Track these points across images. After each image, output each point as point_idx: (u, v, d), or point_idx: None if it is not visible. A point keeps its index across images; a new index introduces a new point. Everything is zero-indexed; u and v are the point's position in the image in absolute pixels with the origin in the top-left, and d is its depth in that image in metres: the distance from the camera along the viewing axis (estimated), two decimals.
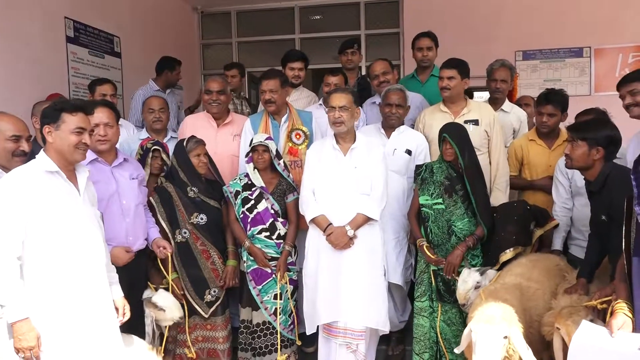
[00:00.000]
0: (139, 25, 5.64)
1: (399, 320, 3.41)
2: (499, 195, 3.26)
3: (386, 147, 3.21)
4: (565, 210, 3.00)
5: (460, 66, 3.32)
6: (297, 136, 3.37)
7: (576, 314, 2.20)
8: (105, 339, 2.14)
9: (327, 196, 2.90)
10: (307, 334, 3.01)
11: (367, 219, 2.85)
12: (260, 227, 3.06)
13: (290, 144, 3.37)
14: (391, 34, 6.70)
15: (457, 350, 2.33)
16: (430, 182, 3.02)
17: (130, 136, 3.67)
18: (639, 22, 5.73)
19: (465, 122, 3.29)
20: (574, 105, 3.43)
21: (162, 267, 2.94)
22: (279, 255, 3.06)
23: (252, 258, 3.06)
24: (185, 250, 3.00)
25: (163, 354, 2.88)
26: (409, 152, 3.29)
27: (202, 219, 3.02)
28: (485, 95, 4.03)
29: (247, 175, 3.11)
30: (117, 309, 2.28)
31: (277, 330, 3.04)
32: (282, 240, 3.08)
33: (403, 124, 3.38)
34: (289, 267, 3.10)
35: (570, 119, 3.30)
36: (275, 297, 3.04)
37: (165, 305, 2.79)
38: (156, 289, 2.87)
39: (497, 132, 3.33)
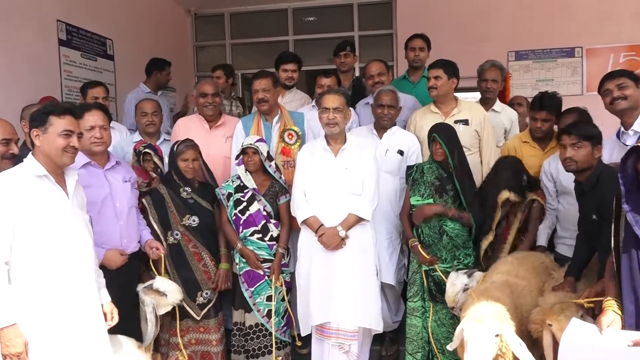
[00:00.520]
0: (132, 28, 5.63)
1: (392, 320, 3.42)
2: None
3: (378, 148, 3.22)
4: (550, 210, 3.03)
5: (446, 66, 3.33)
6: (290, 136, 3.37)
7: (567, 309, 2.22)
8: (94, 344, 2.12)
9: (318, 197, 2.90)
10: (302, 335, 3.02)
11: (359, 219, 2.86)
12: (252, 229, 3.06)
13: (283, 144, 3.37)
14: (384, 35, 6.72)
15: (449, 347, 2.34)
16: (421, 182, 3.03)
17: (123, 139, 3.67)
18: (631, 21, 5.77)
19: (456, 122, 3.31)
20: (566, 105, 3.42)
21: (154, 268, 2.93)
22: (271, 257, 3.06)
23: (244, 260, 3.06)
24: (177, 252, 3.00)
25: (159, 355, 2.89)
26: (401, 152, 3.30)
27: (194, 221, 3.02)
28: (478, 95, 4.05)
29: (239, 177, 3.11)
30: (105, 314, 2.26)
31: (270, 332, 3.04)
32: (274, 242, 3.08)
33: (395, 125, 3.39)
34: (283, 269, 3.10)
35: None
36: (267, 299, 3.04)
37: (167, 290, 2.82)
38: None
39: (488, 131, 3.35)
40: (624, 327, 1.91)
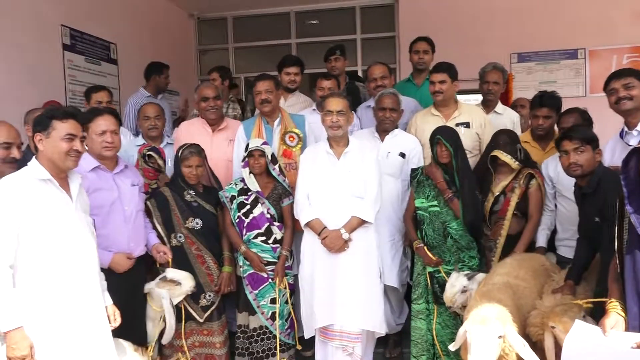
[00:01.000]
0: (135, 32, 5.66)
1: (395, 323, 3.42)
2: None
3: (380, 151, 3.23)
4: (548, 212, 3.03)
5: (450, 69, 3.37)
6: (291, 138, 3.38)
7: (570, 310, 2.22)
8: (99, 347, 2.13)
9: (321, 200, 2.91)
10: (306, 337, 3.02)
11: (362, 222, 2.87)
12: (256, 231, 3.07)
13: (285, 147, 3.38)
14: (387, 38, 6.72)
15: (451, 348, 2.33)
16: (426, 185, 3.04)
17: (128, 142, 3.68)
18: (633, 23, 5.75)
19: (457, 125, 3.33)
20: (569, 107, 3.43)
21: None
22: (275, 260, 3.07)
23: (248, 263, 3.06)
24: (180, 255, 3.00)
25: (158, 357, 2.90)
26: (402, 155, 3.30)
27: (197, 223, 3.03)
28: (480, 97, 4.05)
29: (242, 180, 3.12)
30: (108, 317, 2.27)
31: (274, 335, 3.05)
32: (278, 245, 3.09)
33: (397, 128, 3.40)
34: (286, 271, 3.10)
35: None
36: (271, 302, 3.05)
37: (180, 278, 2.85)
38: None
39: (489, 133, 3.35)
40: (627, 329, 1.91)
